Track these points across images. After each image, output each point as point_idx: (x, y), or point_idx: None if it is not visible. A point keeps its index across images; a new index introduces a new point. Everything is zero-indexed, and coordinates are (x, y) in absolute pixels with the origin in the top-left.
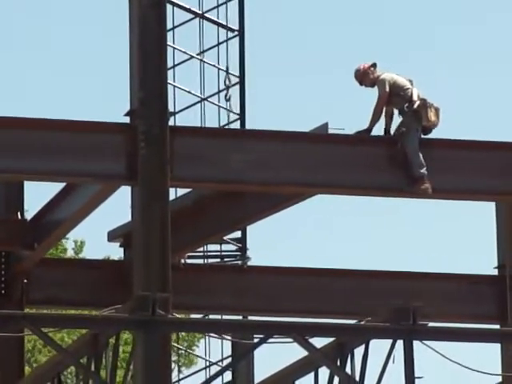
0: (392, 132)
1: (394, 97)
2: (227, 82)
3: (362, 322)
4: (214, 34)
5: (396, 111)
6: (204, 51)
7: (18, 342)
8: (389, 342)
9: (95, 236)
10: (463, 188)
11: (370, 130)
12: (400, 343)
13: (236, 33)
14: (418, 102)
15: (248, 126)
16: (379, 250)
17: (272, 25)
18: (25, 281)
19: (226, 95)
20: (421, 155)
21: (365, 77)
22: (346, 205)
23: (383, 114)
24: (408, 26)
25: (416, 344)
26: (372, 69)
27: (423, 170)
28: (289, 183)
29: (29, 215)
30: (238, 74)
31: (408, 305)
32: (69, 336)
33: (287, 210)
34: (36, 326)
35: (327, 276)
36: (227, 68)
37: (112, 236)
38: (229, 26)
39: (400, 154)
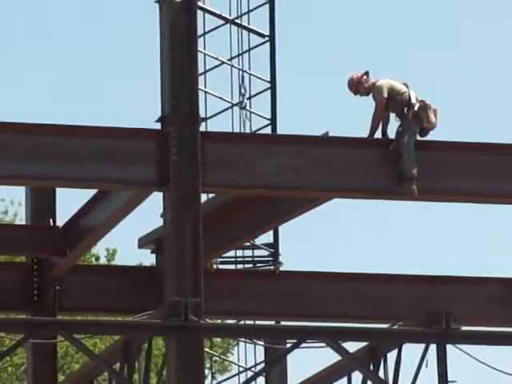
0: (390, 135)
1: (391, 102)
2: (242, 91)
3: (395, 326)
4: (245, 39)
5: (392, 115)
6: (234, 57)
7: (50, 348)
8: (422, 346)
9: (127, 243)
10: (459, 190)
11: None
12: (433, 347)
13: (267, 38)
14: (417, 105)
15: (279, 131)
16: (413, 254)
17: (302, 29)
18: (57, 287)
19: (241, 104)
20: (415, 156)
21: (359, 86)
22: (377, 207)
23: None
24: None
25: (449, 348)
26: (365, 77)
27: (414, 171)
28: (321, 188)
29: (61, 222)
30: (268, 78)
31: (441, 308)
32: (102, 342)
33: (319, 215)
34: (69, 332)
35: (360, 280)
36: (242, 77)
37: (143, 242)
38: (259, 31)
39: (394, 152)
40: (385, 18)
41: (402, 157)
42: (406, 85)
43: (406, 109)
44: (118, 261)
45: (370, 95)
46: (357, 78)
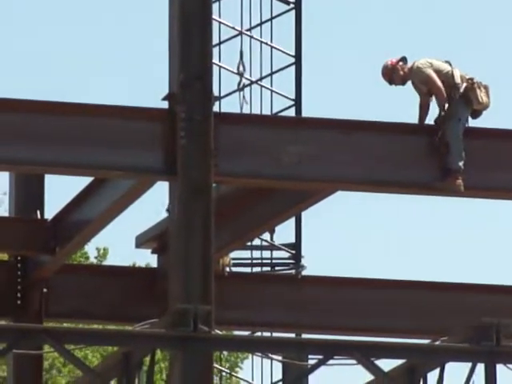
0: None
1: None
2: (241, 69)
3: (437, 342)
4: (267, 6)
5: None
6: (254, 27)
7: (35, 360)
8: (467, 365)
9: (119, 241)
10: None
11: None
12: (481, 367)
13: (292, 5)
14: (464, 85)
15: (304, 114)
16: (460, 258)
17: None
18: (44, 290)
19: (238, 84)
20: (462, 147)
21: (394, 74)
22: (420, 202)
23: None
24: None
25: (499, 368)
26: (401, 63)
27: (461, 164)
28: (352, 181)
29: (50, 214)
30: (293, 53)
31: (491, 322)
32: (93, 354)
33: (348, 210)
34: (58, 342)
35: (396, 288)
36: (241, 53)
37: (142, 240)
38: None
39: (441, 143)
40: None
41: (449, 147)
42: (448, 63)
43: (451, 91)
44: (110, 261)
45: (408, 84)
46: (392, 64)
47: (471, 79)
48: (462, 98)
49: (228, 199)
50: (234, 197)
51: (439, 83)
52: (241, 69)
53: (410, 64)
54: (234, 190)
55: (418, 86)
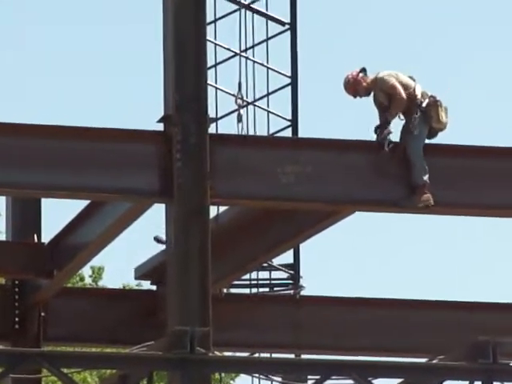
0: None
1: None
2: (239, 100)
3: (434, 361)
4: (262, 27)
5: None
6: (249, 48)
7: None
8: (465, 383)
9: (113, 260)
10: (473, 202)
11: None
12: None
13: (287, 26)
14: (426, 100)
15: (301, 134)
16: (456, 277)
17: (328, 16)
18: (42, 314)
19: (237, 115)
20: (424, 161)
21: (358, 86)
22: (418, 226)
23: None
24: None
25: None
26: (361, 75)
27: (426, 178)
28: (350, 201)
29: (47, 238)
30: (289, 73)
31: (488, 340)
32: (92, 377)
33: (345, 230)
34: (56, 365)
35: (393, 308)
36: (239, 84)
37: (141, 272)
38: (278, 18)
39: (403, 159)
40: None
41: (411, 163)
42: (411, 78)
43: (412, 106)
44: (106, 281)
45: (371, 96)
46: (353, 77)
47: (433, 96)
48: (421, 114)
49: (227, 229)
50: (233, 227)
51: (403, 93)
52: (239, 101)
53: (372, 75)
54: (233, 220)
55: (380, 96)
